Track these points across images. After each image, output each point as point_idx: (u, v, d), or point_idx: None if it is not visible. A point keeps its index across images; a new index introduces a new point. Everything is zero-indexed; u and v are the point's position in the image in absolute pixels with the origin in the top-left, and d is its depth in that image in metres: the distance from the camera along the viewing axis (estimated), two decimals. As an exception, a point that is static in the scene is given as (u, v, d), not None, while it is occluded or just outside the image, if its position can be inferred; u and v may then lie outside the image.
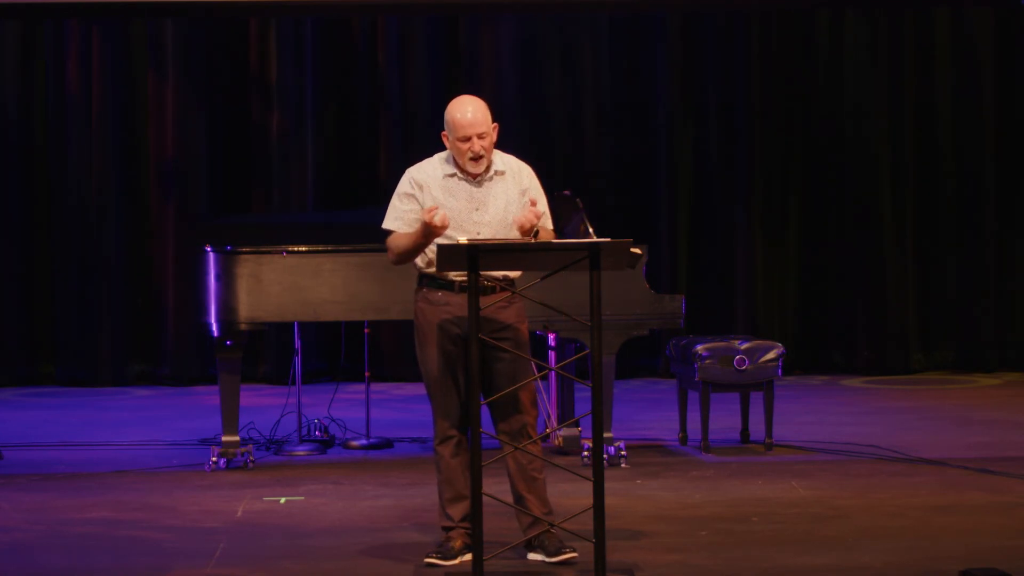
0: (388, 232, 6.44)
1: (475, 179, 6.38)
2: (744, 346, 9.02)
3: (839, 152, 13.17)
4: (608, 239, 6.19)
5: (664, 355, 11.75)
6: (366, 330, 9.53)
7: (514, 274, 6.43)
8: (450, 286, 6.36)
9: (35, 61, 12.88)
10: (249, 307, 8.57)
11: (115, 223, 12.84)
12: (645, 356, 12.91)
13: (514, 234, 6.32)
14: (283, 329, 11.33)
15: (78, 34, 12.77)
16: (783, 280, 13.22)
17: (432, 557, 6.37)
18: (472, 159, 6.34)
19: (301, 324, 9.48)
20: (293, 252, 8.60)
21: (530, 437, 6.38)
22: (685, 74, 13.15)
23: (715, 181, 13.17)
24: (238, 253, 8.58)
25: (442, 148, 6.47)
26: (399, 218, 6.43)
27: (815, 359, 13.11)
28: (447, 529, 6.43)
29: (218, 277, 8.57)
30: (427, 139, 13.00)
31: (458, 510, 6.40)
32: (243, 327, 8.59)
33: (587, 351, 6.29)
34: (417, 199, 6.39)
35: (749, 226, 13.14)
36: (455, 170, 6.40)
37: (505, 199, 6.39)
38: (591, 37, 13.10)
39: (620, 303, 8.55)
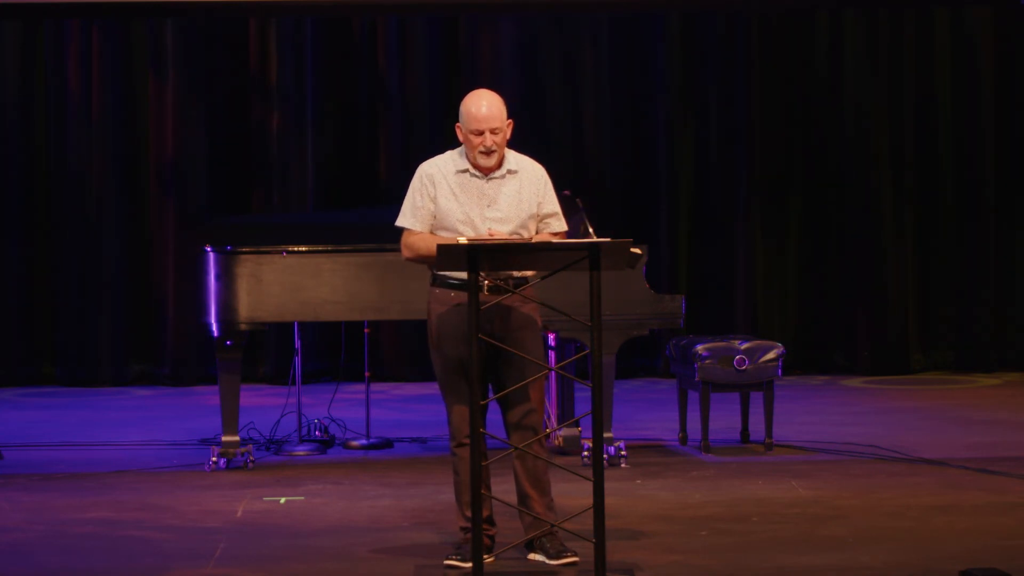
0: (401, 229, 6.39)
1: (486, 176, 6.36)
2: (744, 346, 9.01)
3: (839, 152, 13.17)
4: (608, 239, 6.19)
5: (664, 355, 11.74)
6: (366, 330, 9.53)
7: (528, 273, 6.38)
8: (462, 285, 6.27)
9: (35, 61, 12.87)
10: (249, 307, 8.56)
11: (115, 223, 12.83)
12: (645, 356, 12.91)
13: (525, 233, 6.30)
14: (283, 329, 11.34)
15: (78, 34, 12.76)
16: (783, 280, 13.22)
17: (452, 559, 6.31)
18: (483, 153, 6.31)
19: (301, 324, 9.47)
20: (293, 252, 8.60)
21: (537, 437, 6.36)
22: (685, 74, 13.15)
23: (715, 181, 13.16)
24: (238, 253, 8.58)
25: (453, 144, 6.44)
26: (414, 215, 6.38)
27: (815, 359, 13.09)
28: (466, 530, 6.33)
29: (218, 277, 8.57)
30: (427, 139, 13.03)
31: None
32: (243, 327, 8.59)
33: (587, 351, 6.28)
34: (430, 194, 6.36)
35: (749, 226, 13.13)
36: (467, 166, 6.36)
37: (517, 197, 6.35)
38: (591, 37, 13.09)
39: (620, 303, 8.54)
